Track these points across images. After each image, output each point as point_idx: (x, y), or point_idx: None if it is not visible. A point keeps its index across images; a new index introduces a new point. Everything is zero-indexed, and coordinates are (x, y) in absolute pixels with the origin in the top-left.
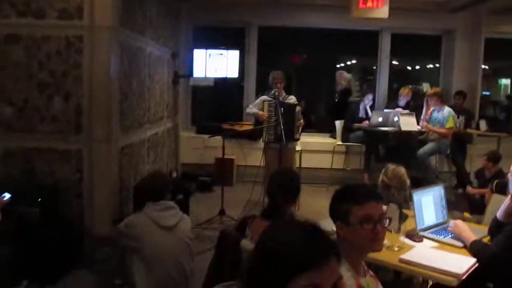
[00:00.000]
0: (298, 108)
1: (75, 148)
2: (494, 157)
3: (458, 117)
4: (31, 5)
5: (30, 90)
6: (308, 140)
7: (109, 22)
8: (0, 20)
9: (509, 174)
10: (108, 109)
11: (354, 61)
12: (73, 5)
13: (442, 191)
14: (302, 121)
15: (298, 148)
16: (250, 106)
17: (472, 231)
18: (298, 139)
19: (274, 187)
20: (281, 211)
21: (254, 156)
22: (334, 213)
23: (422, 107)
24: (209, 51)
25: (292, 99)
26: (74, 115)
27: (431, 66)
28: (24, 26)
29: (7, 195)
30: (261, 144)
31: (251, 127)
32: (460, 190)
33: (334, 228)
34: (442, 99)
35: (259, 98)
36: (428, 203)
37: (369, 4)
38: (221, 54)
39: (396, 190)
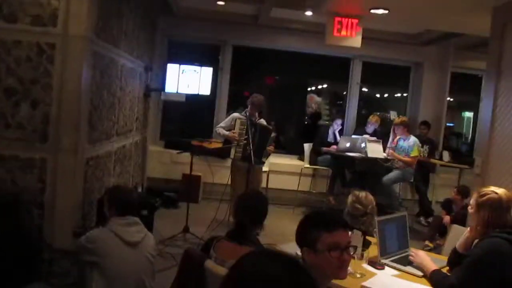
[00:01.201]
0: (273, 134)
1: (39, 157)
2: (464, 192)
3: (422, 146)
4: (3, 9)
5: None
6: (276, 161)
7: (83, 32)
8: None
9: (469, 208)
10: (76, 119)
11: (325, 85)
12: (47, 11)
13: (405, 220)
14: (272, 147)
15: (265, 168)
16: (220, 125)
17: (432, 261)
18: (263, 163)
19: (240, 209)
20: (247, 233)
21: (221, 174)
22: (301, 239)
23: (389, 135)
24: (183, 66)
25: (263, 122)
26: (41, 123)
27: (399, 95)
28: None
29: None
30: (229, 162)
31: (220, 145)
32: (421, 218)
33: (299, 253)
34: (408, 128)
35: (230, 116)
36: (391, 231)
37: (343, 32)
38: (195, 71)
39: (371, 216)
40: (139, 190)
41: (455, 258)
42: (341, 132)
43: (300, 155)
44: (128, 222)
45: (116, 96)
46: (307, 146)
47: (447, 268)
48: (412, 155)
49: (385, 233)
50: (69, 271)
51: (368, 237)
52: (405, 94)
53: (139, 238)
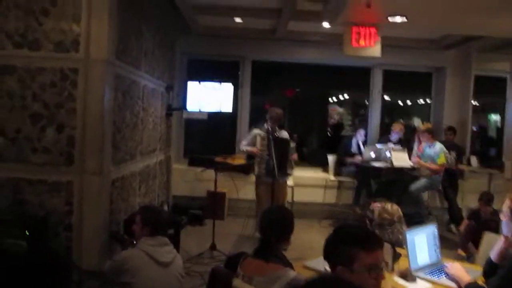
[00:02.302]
0: (292, 144)
1: (66, 180)
2: (487, 198)
3: (449, 152)
4: (27, 37)
5: (23, 120)
6: (300, 174)
7: (104, 55)
8: None
9: (501, 215)
10: (100, 142)
11: (346, 96)
12: (70, 38)
13: (436, 230)
14: (295, 156)
15: (290, 182)
16: (243, 142)
17: (467, 272)
18: (290, 174)
19: (266, 225)
20: (273, 249)
21: (246, 189)
22: (335, 256)
23: (413, 142)
24: (203, 84)
25: (285, 134)
26: (66, 147)
27: (421, 101)
28: (19, 57)
29: None
30: (253, 177)
31: (243, 161)
32: (452, 226)
33: (327, 268)
34: (433, 134)
35: (252, 132)
36: (422, 243)
37: (362, 42)
38: (215, 88)
39: (399, 225)
40: (165, 208)
41: (490, 269)
42: (365, 143)
43: (324, 167)
44: (159, 243)
45: (139, 117)
46: (331, 158)
47: (483, 279)
48: (439, 162)
49: (415, 244)
50: None
51: (398, 249)
52: (428, 100)
53: (170, 258)
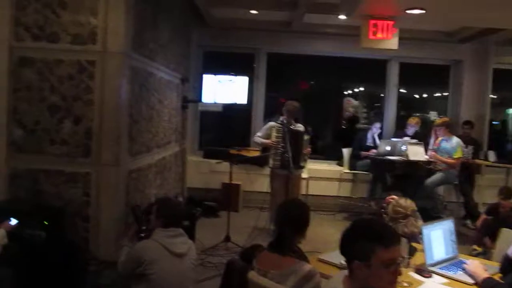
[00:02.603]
0: (306, 137)
1: (83, 171)
2: (507, 193)
3: (466, 147)
4: (45, 29)
5: (41, 112)
6: (315, 167)
7: (121, 48)
8: (14, 43)
9: None
10: (117, 133)
11: (361, 88)
12: (87, 30)
13: (452, 225)
14: (309, 149)
15: (305, 175)
16: (257, 134)
17: (484, 268)
18: (303, 167)
19: (281, 219)
20: (288, 243)
21: (260, 182)
22: (351, 251)
23: (430, 136)
24: (219, 77)
25: (300, 127)
26: (83, 138)
27: (438, 94)
28: (38, 49)
29: (14, 221)
30: (268, 170)
31: (258, 153)
32: (468, 221)
33: (343, 262)
34: (450, 128)
35: (267, 125)
36: (438, 238)
37: (379, 35)
38: (231, 80)
39: (413, 218)
40: (180, 199)
41: (507, 265)
42: (380, 136)
43: (339, 160)
44: (173, 234)
45: (154, 109)
46: (346, 151)
47: (500, 275)
48: (455, 156)
49: (431, 239)
50: (115, 282)
51: (413, 244)
52: (444, 94)
53: (185, 249)
